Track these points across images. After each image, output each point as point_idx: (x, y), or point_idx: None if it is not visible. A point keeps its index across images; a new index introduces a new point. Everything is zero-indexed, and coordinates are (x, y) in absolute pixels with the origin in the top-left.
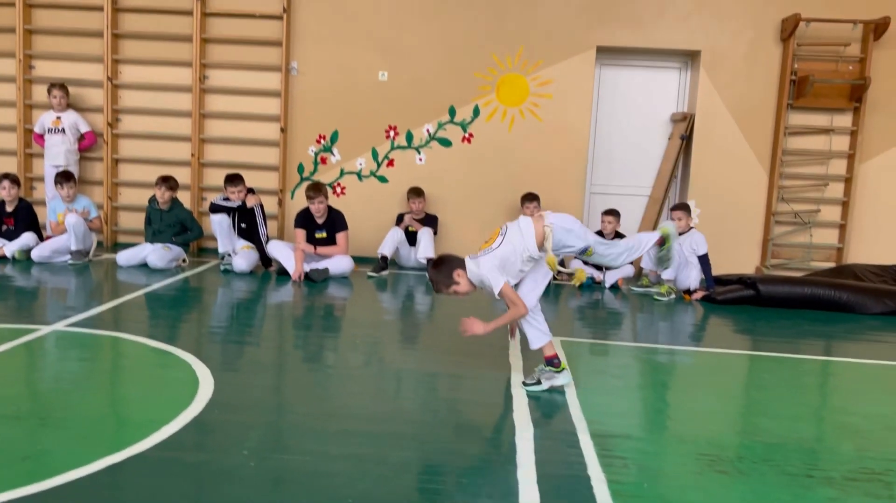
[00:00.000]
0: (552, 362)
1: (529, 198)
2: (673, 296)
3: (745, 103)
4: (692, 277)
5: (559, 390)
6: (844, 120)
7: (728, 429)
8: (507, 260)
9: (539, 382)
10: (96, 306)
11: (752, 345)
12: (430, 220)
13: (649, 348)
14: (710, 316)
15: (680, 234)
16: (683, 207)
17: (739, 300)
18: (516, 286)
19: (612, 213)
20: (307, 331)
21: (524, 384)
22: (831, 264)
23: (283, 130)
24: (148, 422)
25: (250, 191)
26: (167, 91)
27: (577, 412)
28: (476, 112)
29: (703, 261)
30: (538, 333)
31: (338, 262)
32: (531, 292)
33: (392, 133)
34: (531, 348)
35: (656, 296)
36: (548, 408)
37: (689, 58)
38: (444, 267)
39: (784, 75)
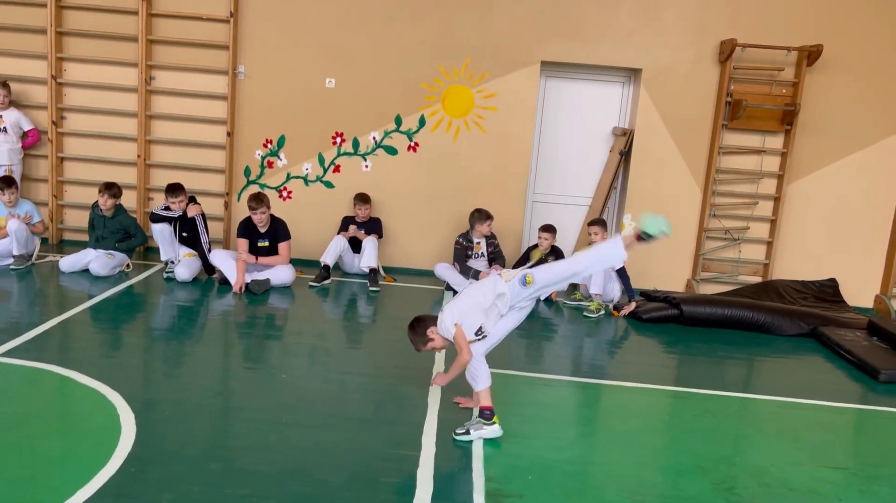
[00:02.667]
0: (484, 413)
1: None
2: (602, 312)
3: (683, 121)
4: (616, 291)
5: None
6: (776, 141)
7: (616, 489)
8: (476, 307)
9: (468, 432)
10: (27, 331)
11: (664, 378)
12: (375, 225)
13: (568, 382)
14: (632, 338)
15: None
16: (599, 223)
17: (664, 319)
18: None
19: (549, 229)
20: (240, 360)
21: (455, 434)
22: (758, 278)
23: (229, 134)
24: (56, 488)
25: (192, 200)
26: (113, 91)
27: (480, 466)
28: (422, 122)
29: (622, 273)
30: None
31: (279, 273)
32: (494, 334)
33: (339, 139)
34: (475, 389)
35: (586, 313)
36: (456, 459)
37: (632, 74)
38: (418, 327)
39: (720, 96)
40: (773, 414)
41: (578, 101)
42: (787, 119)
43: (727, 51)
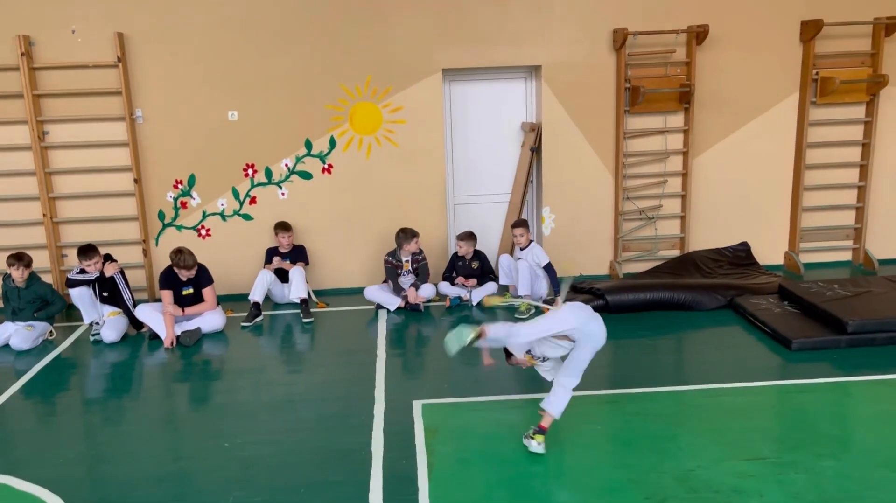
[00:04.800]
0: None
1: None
2: (533, 311)
3: (587, 111)
4: (544, 288)
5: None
6: (677, 120)
7: None
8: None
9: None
10: None
11: (596, 382)
12: (300, 252)
13: (498, 403)
14: None
15: (521, 249)
16: (522, 224)
17: None
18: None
19: (467, 237)
20: (181, 431)
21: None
22: (676, 252)
23: (136, 180)
24: None
25: (108, 258)
26: (5, 151)
27: None
28: (332, 143)
29: (549, 269)
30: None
31: (209, 320)
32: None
33: (250, 171)
34: (544, 407)
35: (516, 315)
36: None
37: (533, 70)
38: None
39: (619, 83)
40: (697, 406)
41: (485, 101)
42: (684, 98)
43: (620, 39)
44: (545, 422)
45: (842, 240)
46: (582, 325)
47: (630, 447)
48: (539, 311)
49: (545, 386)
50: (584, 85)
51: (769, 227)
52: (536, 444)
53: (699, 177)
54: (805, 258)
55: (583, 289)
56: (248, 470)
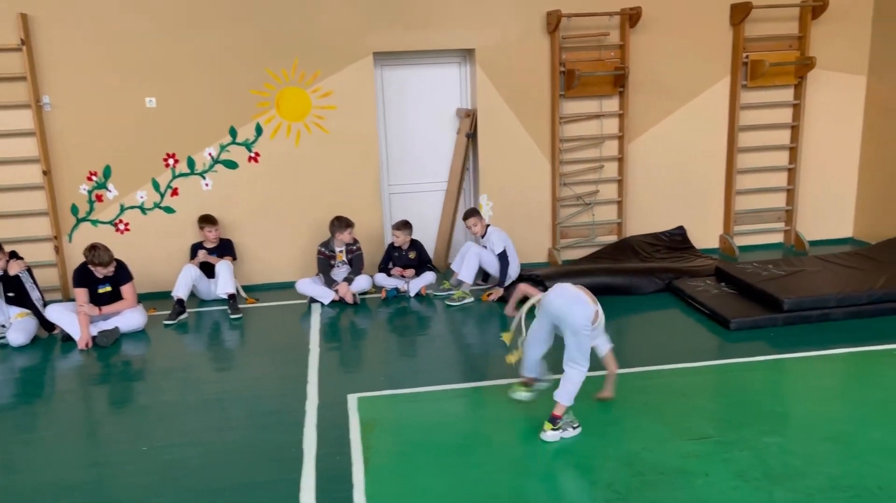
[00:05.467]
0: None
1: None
2: (467, 299)
3: (522, 96)
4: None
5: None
6: (612, 104)
7: None
8: None
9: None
10: None
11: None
12: (227, 246)
13: (434, 393)
14: (494, 324)
15: (482, 237)
16: (473, 213)
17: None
18: None
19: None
20: (98, 437)
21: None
22: (614, 237)
23: (45, 172)
24: None
25: (13, 255)
26: None
27: None
28: (259, 130)
29: (501, 258)
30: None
31: (128, 318)
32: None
33: (171, 161)
34: (559, 398)
35: (448, 302)
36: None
37: (467, 54)
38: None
39: (554, 67)
40: (639, 389)
41: (418, 87)
42: (618, 82)
43: (554, 22)
44: (556, 411)
45: (774, 222)
46: (546, 298)
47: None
48: (477, 299)
49: (486, 374)
50: (519, 69)
51: (704, 210)
52: (552, 433)
53: (635, 161)
54: (739, 241)
55: (522, 277)
56: (168, 473)
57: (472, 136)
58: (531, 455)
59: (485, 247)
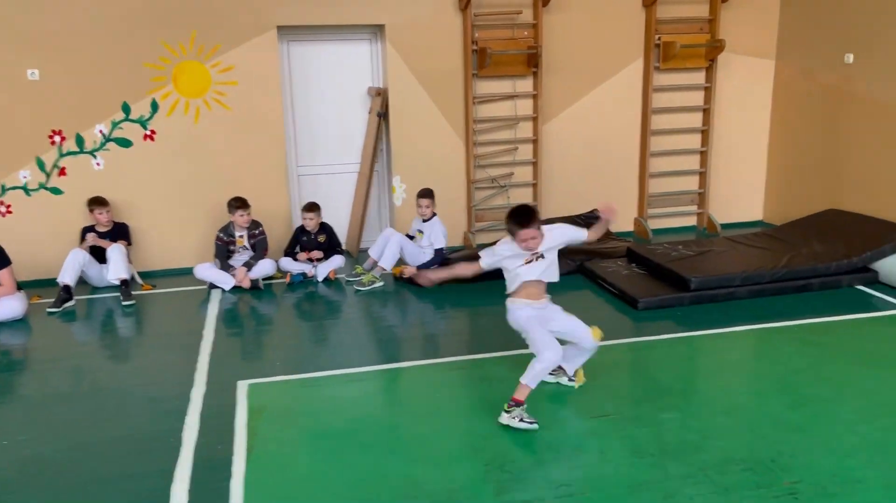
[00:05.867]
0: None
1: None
2: (376, 284)
3: (434, 75)
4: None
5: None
6: (526, 85)
7: (388, 495)
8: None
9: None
10: None
11: (439, 349)
12: (120, 230)
13: (330, 377)
14: (410, 309)
15: (425, 221)
16: (428, 194)
17: (442, 281)
18: None
19: (312, 208)
20: None
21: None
22: None
23: None
24: None
25: None
26: None
27: None
28: (154, 106)
29: (437, 254)
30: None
31: (5, 306)
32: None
33: (58, 138)
34: (522, 378)
35: (356, 287)
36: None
37: (377, 30)
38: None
39: (466, 45)
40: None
41: (327, 64)
42: (532, 62)
43: None
44: (517, 394)
45: (687, 205)
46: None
47: (473, 414)
48: (387, 283)
49: (386, 357)
50: (431, 47)
51: (619, 193)
52: (505, 416)
53: (550, 143)
54: (653, 224)
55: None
56: (27, 469)
57: (383, 116)
58: (425, 438)
59: (420, 231)
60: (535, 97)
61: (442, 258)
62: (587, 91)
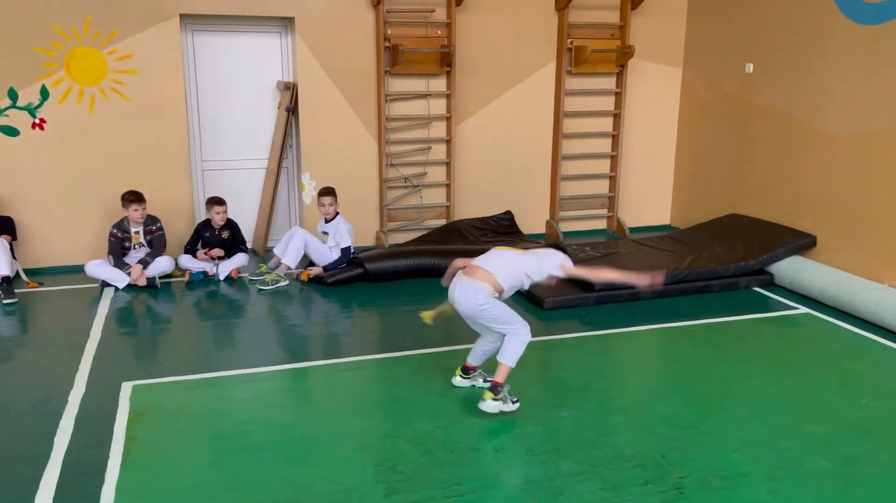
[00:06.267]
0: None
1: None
2: (282, 283)
3: (346, 71)
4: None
5: None
6: (439, 84)
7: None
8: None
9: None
10: None
11: (341, 349)
12: (4, 225)
13: (232, 377)
14: (315, 308)
15: (327, 221)
16: (330, 192)
17: (350, 280)
18: None
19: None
20: None
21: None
22: (443, 221)
23: None
24: None
25: None
26: None
27: None
28: (45, 93)
29: (344, 253)
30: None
31: None
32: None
33: None
34: (501, 359)
35: (259, 286)
36: None
37: (287, 23)
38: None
39: (379, 42)
40: (446, 368)
41: (235, 56)
42: (445, 61)
43: None
44: (498, 376)
45: (597, 208)
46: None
47: (369, 414)
48: (290, 282)
49: (281, 358)
50: (342, 42)
51: (532, 195)
52: (492, 403)
53: (463, 144)
54: (565, 226)
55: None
56: None
57: (292, 111)
58: (316, 440)
59: (325, 233)
60: (448, 97)
61: (349, 257)
62: (501, 92)
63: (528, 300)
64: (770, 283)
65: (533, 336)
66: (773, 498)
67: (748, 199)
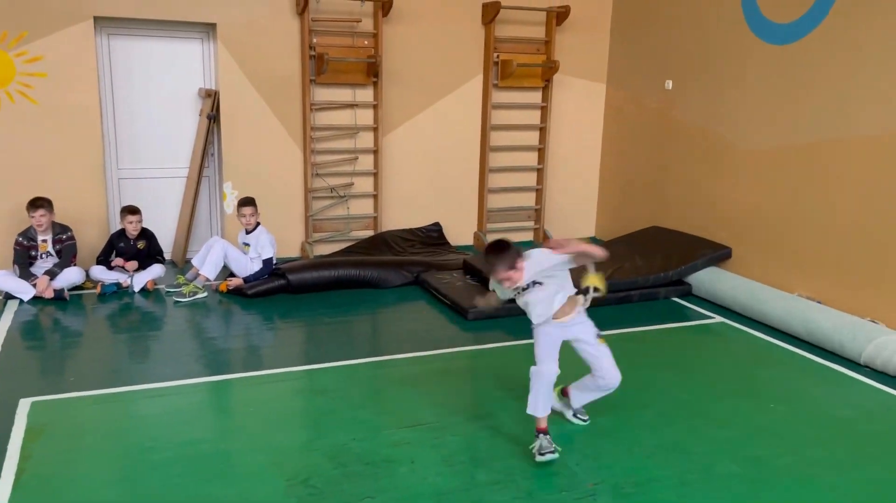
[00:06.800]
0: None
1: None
2: (200, 294)
3: (270, 78)
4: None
5: None
6: (366, 94)
7: None
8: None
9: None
10: None
11: (261, 361)
12: None
13: (142, 391)
14: (234, 320)
15: (248, 232)
16: (250, 202)
17: (271, 291)
18: None
19: (133, 211)
20: None
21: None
22: (370, 232)
23: None
24: None
25: None
26: None
27: None
28: None
29: (266, 264)
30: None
31: None
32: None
33: None
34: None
35: (176, 298)
36: None
37: (209, 30)
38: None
39: (304, 50)
40: (367, 378)
41: (155, 62)
42: (371, 71)
43: (302, 2)
44: (537, 424)
45: (524, 220)
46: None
47: (284, 428)
48: (208, 294)
49: (194, 371)
50: (266, 50)
51: (459, 207)
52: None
53: (391, 155)
54: (492, 238)
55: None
56: None
57: (214, 119)
58: (226, 455)
59: (246, 244)
60: (375, 107)
61: (272, 269)
62: (429, 104)
63: (454, 311)
64: (688, 293)
65: (456, 346)
66: (682, 501)
67: (669, 212)
